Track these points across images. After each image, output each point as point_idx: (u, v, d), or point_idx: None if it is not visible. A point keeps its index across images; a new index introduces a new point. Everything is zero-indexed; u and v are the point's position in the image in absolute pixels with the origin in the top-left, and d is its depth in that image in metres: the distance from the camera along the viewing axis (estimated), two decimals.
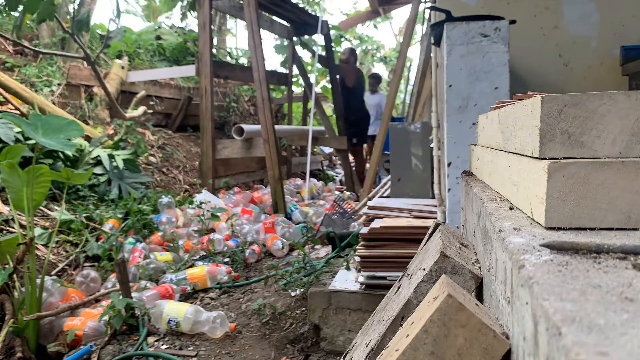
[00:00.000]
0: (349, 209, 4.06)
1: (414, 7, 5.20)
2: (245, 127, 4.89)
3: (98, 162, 4.11)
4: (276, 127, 4.91)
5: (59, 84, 5.25)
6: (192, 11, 8.16)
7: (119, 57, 6.11)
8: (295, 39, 6.85)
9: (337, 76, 6.75)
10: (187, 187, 5.27)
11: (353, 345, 1.38)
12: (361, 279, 2.28)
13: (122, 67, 5.66)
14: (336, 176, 7.57)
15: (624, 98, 0.73)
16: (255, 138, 5.05)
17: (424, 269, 1.05)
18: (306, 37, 7.56)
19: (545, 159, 0.76)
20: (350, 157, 6.77)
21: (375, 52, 15.80)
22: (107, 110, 5.36)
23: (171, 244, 3.34)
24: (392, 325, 1.02)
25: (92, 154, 4.10)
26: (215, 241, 3.31)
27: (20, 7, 4.44)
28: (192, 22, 8.39)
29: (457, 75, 2.07)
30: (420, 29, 7.04)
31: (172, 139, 5.95)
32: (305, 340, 2.34)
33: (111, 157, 4.19)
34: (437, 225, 1.47)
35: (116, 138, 4.93)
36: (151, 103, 5.96)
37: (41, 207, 3.41)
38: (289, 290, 2.61)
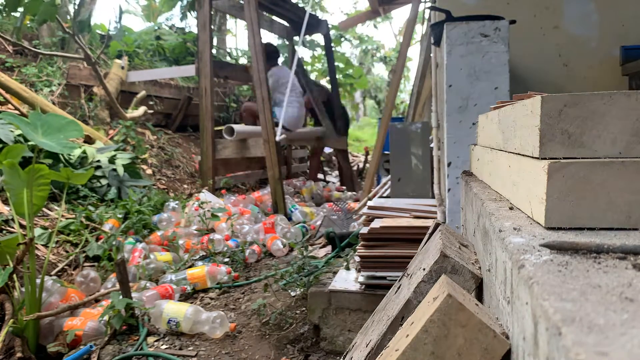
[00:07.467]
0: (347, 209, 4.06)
1: (414, 7, 5.20)
2: (236, 127, 4.86)
3: (99, 166, 4.10)
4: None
5: (58, 84, 5.24)
6: (192, 11, 8.15)
7: (119, 57, 6.11)
8: (295, 38, 6.85)
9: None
10: (187, 187, 5.26)
11: (353, 345, 1.38)
12: (361, 279, 2.28)
13: (122, 67, 5.65)
14: (335, 177, 7.56)
15: (624, 98, 0.73)
16: (256, 138, 5.04)
17: (424, 269, 1.05)
18: (307, 37, 7.55)
19: (545, 159, 0.76)
20: None
21: (375, 52, 15.81)
22: (107, 110, 5.35)
23: (172, 243, 3.33)
24: (392, 325, 1.02)
25: (93, 157, 4.09)
26: (215, 241, 3.30)
27: (21, 9, 4.44)
28: (192, 22, 8.39)
29: (457, 75, 2.07)
30: (420, 29, 7.03)
31: (172, 139, 5.94)
32: (305, 340, 2.34)
33: (111, 162, 4.18)
34: (437, 225, 1.47)
35: (115, 138, 4.93)
36: (151, 103, 5.95)
37: None
38: (289, 290, 2.61)
